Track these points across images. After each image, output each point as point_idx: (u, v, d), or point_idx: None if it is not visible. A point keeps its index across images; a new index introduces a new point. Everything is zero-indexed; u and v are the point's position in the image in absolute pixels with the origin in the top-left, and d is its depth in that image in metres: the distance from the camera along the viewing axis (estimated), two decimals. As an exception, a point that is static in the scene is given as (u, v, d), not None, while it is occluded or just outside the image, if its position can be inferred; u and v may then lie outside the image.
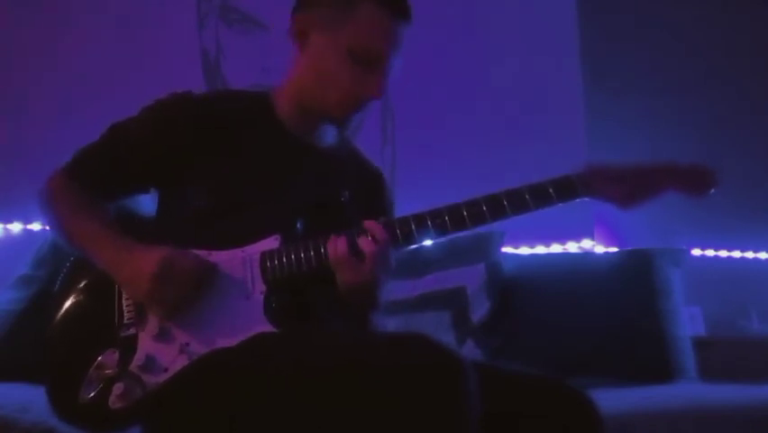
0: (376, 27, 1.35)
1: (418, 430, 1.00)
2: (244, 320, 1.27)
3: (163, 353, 1.26)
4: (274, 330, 1.25)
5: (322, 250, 1.28)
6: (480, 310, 2.38)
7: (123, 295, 1.32)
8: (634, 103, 3.23)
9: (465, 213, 1.28)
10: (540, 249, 3.02)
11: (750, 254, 3.29)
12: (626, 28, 3.35)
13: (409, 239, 1.29)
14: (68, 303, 1.36)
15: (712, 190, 1.29)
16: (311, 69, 1.39)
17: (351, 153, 1.56)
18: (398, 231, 1.28)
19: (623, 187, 1.30)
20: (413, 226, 1.29)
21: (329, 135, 1.48)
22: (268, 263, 1.30)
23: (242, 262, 1.31)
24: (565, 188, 1.29)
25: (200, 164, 1.37)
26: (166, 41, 2.64)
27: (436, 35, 3.02)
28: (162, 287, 1.24)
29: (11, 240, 2.31)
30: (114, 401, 1.23)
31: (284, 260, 1.29)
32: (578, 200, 1.30)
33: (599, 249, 3.10)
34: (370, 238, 1.26)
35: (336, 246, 1.27)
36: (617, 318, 2.33)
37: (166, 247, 1.27)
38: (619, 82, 3.29)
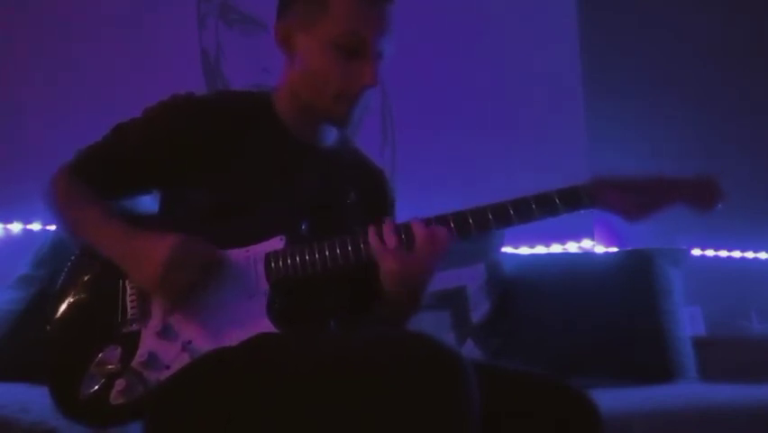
0: (353, 11, 1.32)
1: (418, 429, 1.00)
2: (247, 320, 1.26)
3: (165, 350, 1.26)
4: (276, 330, 1.25)
5: (336, 251, 1.28)
6: (479, 310, 2.38)
7: (128, 291, 1.32)
8: (634, 103, 3.23)
9: (471, 221, 1.28)
10: (540, 249, 3.02)
11: (750, 254, 3.29)
12: (627, 28, 3.36)
13: None
14: (70, 298, 1.36)
15: (719, 205, 1.29)
16: (301, 73, 1.38)
17: (352, 154, 1.56)
18: (403, 235, 1.28)
19: (629, 199, 1.29)
20: None
21: (331, 136, 1.48)
22: (272, 264, 1.30)
23: (246, 262, 1.31)
24: (571, 199, 1.29)
25: (203, 165, 1.37)
26: (166, 41, 2.64)
27: (436, 35, 3.02)
28: (173, 273, 1.23)
29: (11, 240, 2.31)
30: (115, 397, 1.23)
31: (289, 261, 1.29)
32: (584, 210, 1.31)
33: (599, 249, 3.11)
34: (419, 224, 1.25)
35: (384, 234, 1.25)
36: (616, 318, 2.33)
37: (177, 234, 1.26)
38: (619, 82, 3.29)
